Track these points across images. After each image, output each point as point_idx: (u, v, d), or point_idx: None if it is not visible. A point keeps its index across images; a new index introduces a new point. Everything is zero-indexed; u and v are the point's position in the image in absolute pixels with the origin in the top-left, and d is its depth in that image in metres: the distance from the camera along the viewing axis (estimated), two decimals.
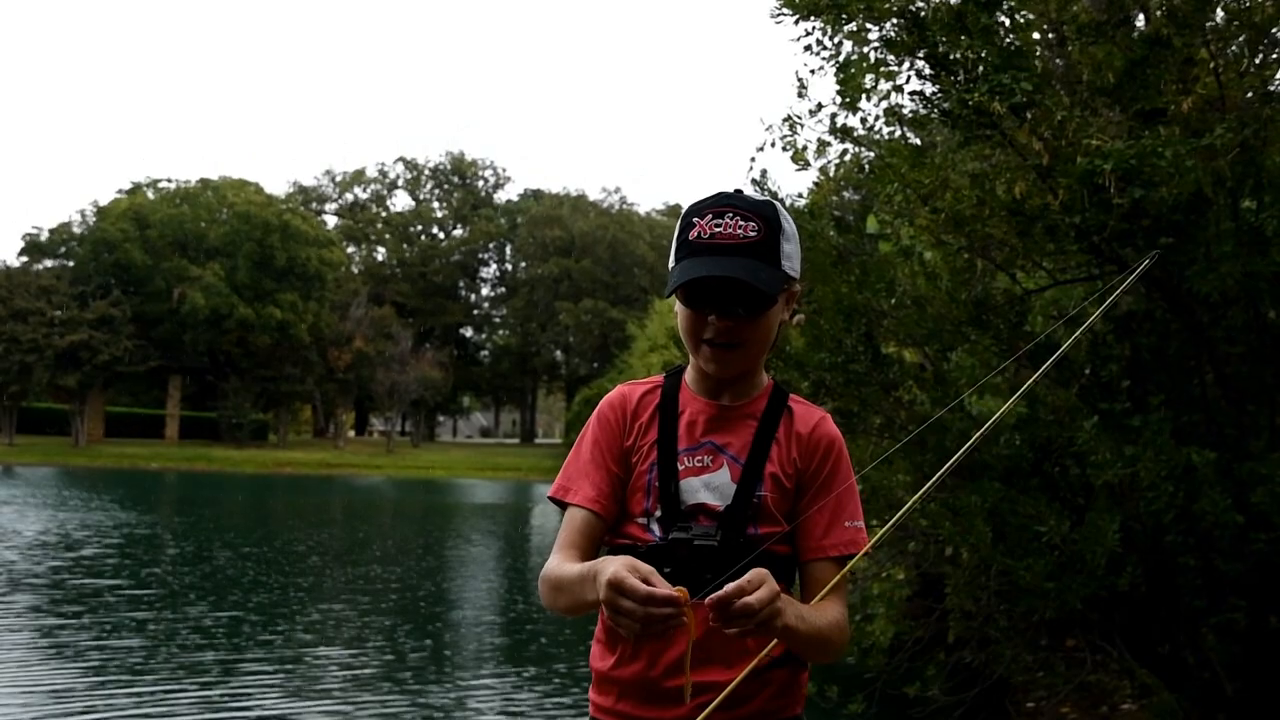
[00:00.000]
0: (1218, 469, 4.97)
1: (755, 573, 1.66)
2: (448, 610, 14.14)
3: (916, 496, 1.82)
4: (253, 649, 10.50)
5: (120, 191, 70.55)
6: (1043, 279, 5.86)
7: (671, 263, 1.95)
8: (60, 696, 8.30)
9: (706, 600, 1.62)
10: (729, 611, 1.62)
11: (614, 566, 1.66)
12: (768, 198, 1.97)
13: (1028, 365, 5.55)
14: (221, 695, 8.58)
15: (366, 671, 9.78)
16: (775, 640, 1.83)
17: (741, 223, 1.88)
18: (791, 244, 1.94)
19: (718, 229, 1.88)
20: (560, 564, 1.92)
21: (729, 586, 1.63)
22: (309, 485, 44.34)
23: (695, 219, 1.91)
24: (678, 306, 1.95)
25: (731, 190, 1.95)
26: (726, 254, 1.87)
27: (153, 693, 8.51)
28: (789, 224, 1.95)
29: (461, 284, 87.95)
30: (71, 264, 65.02)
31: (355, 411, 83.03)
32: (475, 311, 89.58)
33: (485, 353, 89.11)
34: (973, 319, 5.58)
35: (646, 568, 1.65)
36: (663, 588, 1.62)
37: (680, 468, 1.96)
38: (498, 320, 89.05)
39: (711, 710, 1.69)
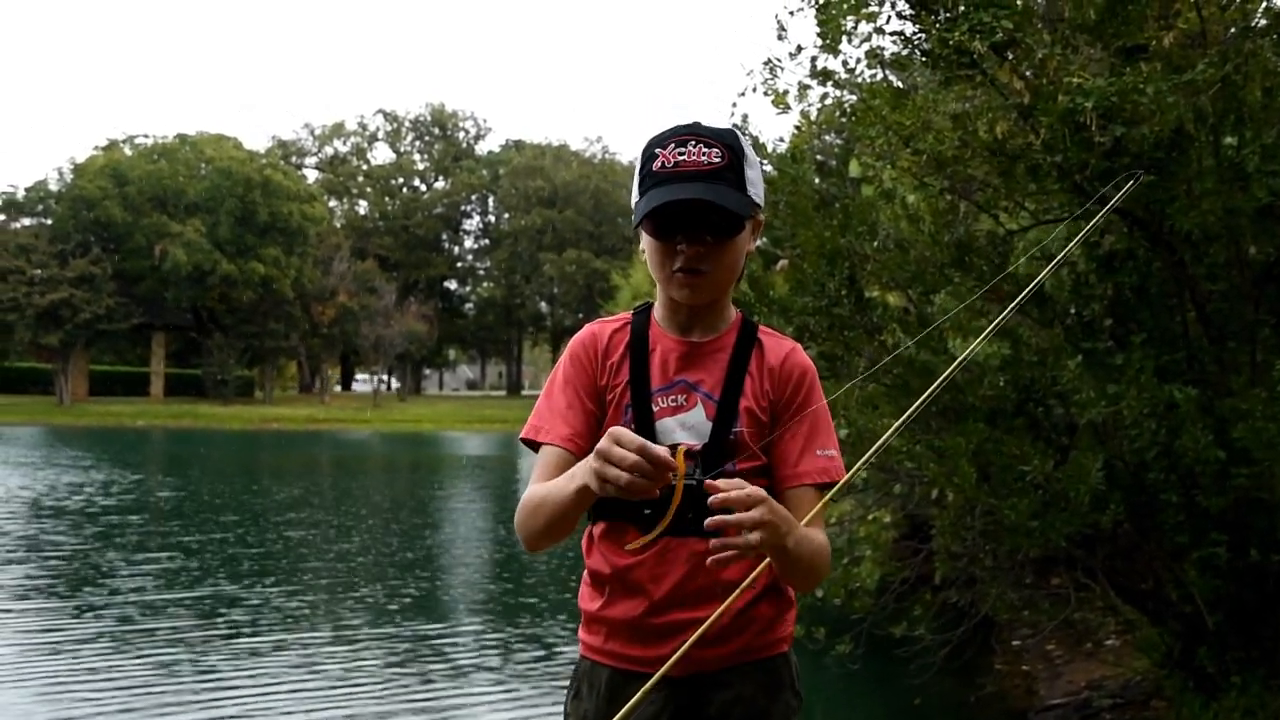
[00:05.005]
0: (1199, 406, 4.99)
1: (754, 489, 1.67)
2: (441, 556, 14.23)
3: (895, 427, 1.84)
4: (257, 606, 10.55)
5: (97, 148, 69.60)
6: (1025, 219, 5.85)
7: (635, 196, 1.94)
8: (62, 659, 8.35)
9: (709, 487, 1.63)
10: (719, 503, 1.62)
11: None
12: (729, 127, 1.96)
13: (997, 301, 5.56)
14: (227, 649, 8.63)
15: (366, 619, 9.85)
16: (755, 574, 1.85)
17: (705, 149, 1.88)
18: (755, 171, 1.94)
19: (681, 157, 1.88)
20: (539, 485, 1.92)
21: (730, 484, 1.64)
22: (297, 441, 44.28)
23: (658, 150, 1.91)
24: (645, 240, 1.94)
25: (690, 122, 1.94)
26: (692, 180, 1.86)
27: (156, 650, 8.56)
28: (751, 152, 1.96)
29: (444, 236, 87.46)
30: (50, 222, 64.31)
31: (341, 366, 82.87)
32: (459, 264, 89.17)
33: (470, 305, 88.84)
34: (955, 261, 5.58)
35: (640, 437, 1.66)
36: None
37: (655, 409, 1.96)
38: (482, 272, 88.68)
39: (690, 645, 1.71)
